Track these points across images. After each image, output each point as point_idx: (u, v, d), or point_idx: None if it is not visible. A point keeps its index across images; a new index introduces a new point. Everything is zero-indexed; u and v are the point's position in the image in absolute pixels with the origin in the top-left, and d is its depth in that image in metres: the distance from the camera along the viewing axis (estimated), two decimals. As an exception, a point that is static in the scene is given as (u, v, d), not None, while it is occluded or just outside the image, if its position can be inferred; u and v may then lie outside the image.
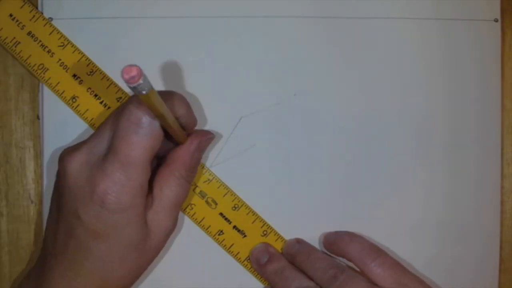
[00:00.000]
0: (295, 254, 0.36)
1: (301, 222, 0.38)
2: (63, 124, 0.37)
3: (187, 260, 0.37)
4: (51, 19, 0.36)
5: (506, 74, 0.39)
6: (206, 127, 0.37)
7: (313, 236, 0.38)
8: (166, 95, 0.30)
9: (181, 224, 0.37)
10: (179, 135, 0.31)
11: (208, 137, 0.33)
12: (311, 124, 0.38)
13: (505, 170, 0.39)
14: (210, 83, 0.37)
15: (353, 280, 0.33)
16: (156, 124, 0.29)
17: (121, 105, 0.31)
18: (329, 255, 0.36)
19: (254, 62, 0.37)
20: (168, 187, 0.32)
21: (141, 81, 0.21)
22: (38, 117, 0.37)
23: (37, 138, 0.38)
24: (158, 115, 0.27)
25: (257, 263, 0.36)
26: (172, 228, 0.33)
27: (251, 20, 0.37)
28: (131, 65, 0.21)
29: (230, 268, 0.37)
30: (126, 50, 0.37)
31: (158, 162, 0.33)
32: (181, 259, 0.37)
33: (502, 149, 0.39)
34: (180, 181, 0.32)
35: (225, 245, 0.37)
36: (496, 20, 0.38)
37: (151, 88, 0.23)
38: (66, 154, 0.31)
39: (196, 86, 0.37)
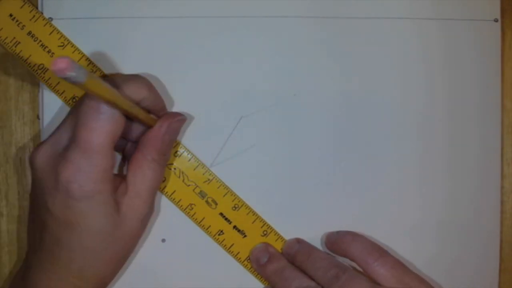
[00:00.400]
0: (295, 254, 0.36)
1: (302, 222, 0.38)
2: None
3: (187, 260, 0.37)
4: (51, 19, 0.36)
5: (506, 74, 0.39)
6: (206, 127, 0.37)
7: (313, 236, 0.38)
8: (123, 80, 0.30)
9: (181, 224, 0.37)
10: (144, 119, 0.31)
11: (177, 119, 0.33)
12: (311, 124, 0.38)
13: (505, 170, 0.39)
14: (210, 83, 0.37)
15: (356, 280, 0.33)
16: (114, 109, 0.29)
17: (83, 94, 0.31)
18: (330, 255, 0.36)
19: (254, 62, 0.37)
20: (140, 172, 0.31)
21: (73, 73, 0.21)
22: (38, 117, 0.37)
23: (37, 138, 0.38)
24: (109, 102, 0.27)
25: (257, 263, 0.36)
26: (147, 213, 0.32)
27: (251, 20, 0.37)
28: (61, 57, 0.21)
29: (230, 269, 0.37)
30: (126, 50, 0.37)
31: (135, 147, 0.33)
32: (181, 259, 0.37)
33: (502, 149, 0.39)
34: (153, 165, 0.32)
35: (225, 245, 0.37)
36: (496, 20, 0.38)
37: (89, 77, 0.23)
38: (34, 149, 0.31)
39: (196, 86, 0.37)
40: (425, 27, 0.38)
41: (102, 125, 0.28)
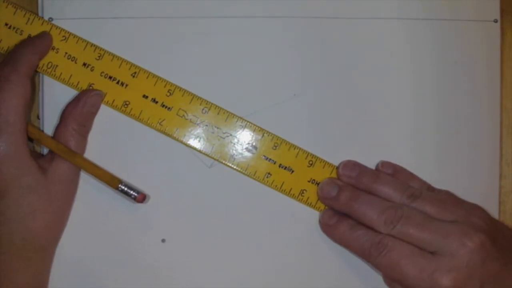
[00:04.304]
0: (359, 176, 0.36)
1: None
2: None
3: (187, 260, 0.37)
4: (51, 19, 0.36)
5: (505, 74, 0.39)
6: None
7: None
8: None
9: (181, 224, 0.37)
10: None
11: (94, 93, 0.36)
12: (311, 124, 0.38)
13: (505, 170, 0.39)
14: (210, 84, 0.37)
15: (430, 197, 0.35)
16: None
17: None
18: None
19: (254, 62, 0.37)
20: (60, 138, 0.35)
21: None
22: (38, 117, 0.37)
23: (37, 138, 0.38)
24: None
25: (329, 197, 0.36)
26: (73, 177, 0.35)
27: (251, 20, 0.37)
28: None
29: (230, 269, 0.37)
30: (126, 49, 0.37)
31: None
32: (181, 259, 0.37)
33: (501, 149, 0.39)
34: (72, 134, 0.35)
35: (276, 186, 0.37)
36: (495, 21, 0.38)
37: None
38: None
39: (196, 86, 0.37)
40: (425, 28, 0.38)
41: (14, 90, 0.33)
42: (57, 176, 0.34)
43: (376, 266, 0.34)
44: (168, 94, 0.36)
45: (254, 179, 0.37)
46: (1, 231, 0.33)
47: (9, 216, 0.33)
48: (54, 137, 0.35)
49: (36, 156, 0.35)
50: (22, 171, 0.33)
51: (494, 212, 0.38)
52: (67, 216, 0.36)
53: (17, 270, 0.33)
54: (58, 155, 0.34)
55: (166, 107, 0.36)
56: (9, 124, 0.32)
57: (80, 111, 0.35)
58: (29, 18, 0.36)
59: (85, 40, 0.36)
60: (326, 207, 0.37)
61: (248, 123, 0.37)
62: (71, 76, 0.36)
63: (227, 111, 0.37)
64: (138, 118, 0.36)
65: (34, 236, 0.33)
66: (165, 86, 0.37)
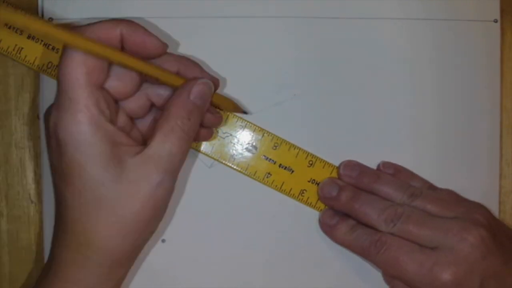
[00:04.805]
0: (360, 176, 0.36)
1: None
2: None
3: (187, 260, 0.37)
4: (51, 19, 0.36)
5: (505, 74, 0.39)
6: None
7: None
8: (93, 26, 0.28)
9: (181, 224, 0.37)
10: (154, 73, 0.29)
11: (200, 81, 0.30)
12: (311, 124, 0.38)
13: (505, 170, 0.39)
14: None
15: (433, 196, 0.35)
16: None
17: None
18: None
19: (254, 62, 0.37)
20: (160, 136, 0.29)
21: None
22: (38, 117, 0.37)
23: (37, 138, 0.38)
24: (84, 51, 0.27)
25: (329, 197, 0.36)
26: (161, 181, 0.29)
27: (251, 20, 0.37)
28: None
29: (230, 269, 0.37)
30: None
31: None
32: (181, 259, 0.37)
33: (501, 149, 0.39)
34: (174, 130, 0.29)
35: (276, 186, 0.37)
36: (495, 21, 0.38)
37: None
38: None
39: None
40: (425, 28, 0.38)
41: (71, 56, 0.27)
42: (139, 176, 0.28)
43: (376, 263, 0.34)
44: (168, 94, 0.36)
45: (254, 179, 0.37)
46: (66, 219, 0.29)
47: (73, 203, 0.28)
48: (153, 131, 0.29)
49: (124, 140, 0.29)
50: (90, 159, 0.27)
51: (494, 212, 0.38)
52: (146, 228, 0.30)
53: (74, 262, 0.29)
54: (146, 154, 0.28)
55: (166, 107, 0.36)
56: (71, 101, 0.27)
57: (185, 101, 0.30)
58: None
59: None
60: (326, 207, 0.37)
61: (248, 123, 0.37)
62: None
63: (227, 113, 0.37)
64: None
65: (94, 234, 0.28)
66: None
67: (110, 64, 0.29)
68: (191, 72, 0.31)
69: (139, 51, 0.29)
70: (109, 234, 0.29)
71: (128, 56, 0.29)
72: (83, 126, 0.27)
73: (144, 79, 0.31)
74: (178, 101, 0.30)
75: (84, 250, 0.29)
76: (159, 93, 0.32)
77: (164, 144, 0.29)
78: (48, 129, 0.28)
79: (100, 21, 0.28)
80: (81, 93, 0.27)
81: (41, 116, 0.37)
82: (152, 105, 0.33)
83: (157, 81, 0.31)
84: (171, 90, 0.32)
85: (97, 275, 0.29)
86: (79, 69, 0.27)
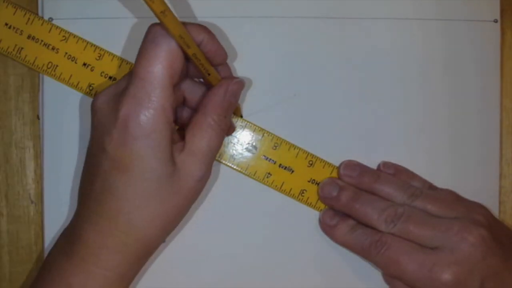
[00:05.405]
0: (360, 176, 0.36)
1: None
2: (63, 124, 0.37)
3: (187, 260, 0.37)
4: (51, 19, 0.36)
5: (505, 74, 0.39)
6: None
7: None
8: (184, 23, 0.30)
9: (181, 224, 0.37)
10: (206, 68, 0.31)
11: (235, 81, 0.32)
12: (311, 124, 0.38)
13: (505, 170, 0.39)
14: (210, 83, 0.37)
15: (433, 196, 0.35)
16: (172, 41, 0.29)
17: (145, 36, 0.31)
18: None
19: (254, 62, 0.37)
20: (199, 133, 0.31)
21: None
22: (38, 117, 0.37)
23: (37, 138, 0.38)
24: (177, 37, 0.28)
25: (330, 197, 0.36)
26: (203, 175, 0.31)
27: (251, 20, 0.37)
28: None
29: (230, 269, 0.37)
30: (125, 50, 0.37)
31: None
32: (181, 259, 0.37)
33: (501, 149, 0.39)
34: (213, 126, 0.31)
35: (276, 186, 0.37)
36: (495, 21, 0.38)
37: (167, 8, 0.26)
38: (96, 95, 0.31)
39: (196, 86, 0.37)
40: (425, 28, 0.38)
41: (160, 56, 0.28)
42: (186, 172, 0.30)
43: (376, 263, 0.34)
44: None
45: (254, 179, 0.37)
46: (111, 205, 0.29)
47: (123, 193, 0.29)
48: (189, 128, 0.31)
49: (175, 137, 0.31)
50: (153, 154, 0.29)
51: (494, 212, 0.38)
52: (180, 219, 0.32)
53: (108, 247, 0.30)
54: (190, 150, 0.30)
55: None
56: (150, 99, 0.29)
57: (223, 100, 0.31)
58: (29, 18, 0.36)
59: (85, 40, 0.36)
60: (326, 207, 0.37)
61: (248, 123, 0.37)
62: (71, 76, 0.36)
63: None
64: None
65: (141, 227, 0.30)
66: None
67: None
68: (212, 45, 0.31)
69: (207, 56, 0.31)
70: (153, 226, 0.30)
71: (203, 55, 0.31)
72: (157, 125, 0.29)
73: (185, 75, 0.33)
74: (216, 99, 0.31)
75: (124, 238, 0.30)
76: (193, 90, 0.33)
77: (204, 140, 0.31)
78: (117, 118, 0.29)
79: (189, 23, 0.30)
80: (162, 95, 0.29)
81: (41, 116, 0.37)
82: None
83: (200, 78, 0.33)
84: (205, 88, 0.33)
85: (130, 262, 0.31)
86: (165, 71, 0.28)
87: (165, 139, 0.29)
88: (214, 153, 0.31)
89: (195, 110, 0.33)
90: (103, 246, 0.30)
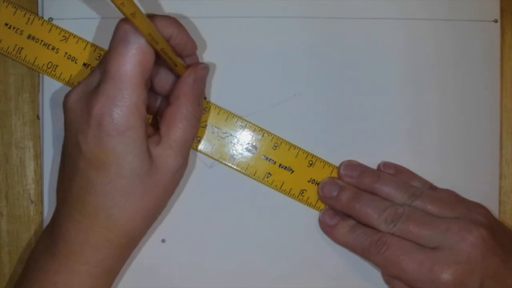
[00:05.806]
0: (360, 176, 0.36)
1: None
2: (63, 124, 0.37)
3: (187, 260, 0.37)
4: (51, 19, 0.36)
5: (505, 74, 0.39)
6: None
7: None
8: (152, 16, 0.30)
9: (181, 224, 0.37)
10: (173, 60, 0.31)
11: (201, 66, 0.32)
12: (311, 124, 0.38)
13: (505, 170, 0.39)
14: (210, 84, 0.37)
15: (432, 197, 0.35)
16: (142, 38, 0.28)
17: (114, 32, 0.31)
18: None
19: (254, 62, 0.37)
20: (174, 125, 0.31)
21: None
22: (38, 117, 0.37)
23: (37, 138, 0.38)
24: (146, 36, 0.28)
25: (330, 197, 0.36)
26: (180, 167, 0.31)
27: (251, 21, 0.37)
28: None
29: (230, 268, 0.37)
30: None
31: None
32: (181, 259, 0.37)
33: (501, 149, 0.39)
34: (186, 116, 0.31)
35: (276, 186, 0.37)
36: (495, 21, 0.38)
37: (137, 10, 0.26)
38: (67, 93, 0.31)
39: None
40: (425, 28, 0.38)
41: (131, 54, 0.28)
42: (163, 164, 0.30)
43: (376, 263, 0.34)
44: (168, 94, 0.36)
45: (254, 179, 0.37)
46: (91, 202, 0.29)
47: (102, 190, 0.29)
48: (163, 121, 0.31)
49: (149, 131, 0.31)
50: (129, 151, 0.29)
51: (494, 212, 0.38)
52: (160, 211, 0.32)
53: (90, 244, 0.30)
54: (166, 143, 0.30)
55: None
56: (123, 96, 0.29)
57: (193, 88, 0.32)
58: (29, 18, 0.36)
59: (85, 40, 0.36)
60: (326, 207, 0.37)
61: (248, 123, 0.37)
62: (71, 76, 0.36)
63: (227, 111, 0.37)
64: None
65: (123, 221, 0.30)
66: None
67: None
68: (181, 38, 0.31)
69: (176, 49, 0.31)
70: (133, 220, 0.31)
71: (171, 48, 0.31)
72: (132, 122, 0.29)
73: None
74: (187, 89, 0.31)
75: (106, 233, 0.30)
76: (159, 75, 0.33)
77: (179, 132, 0.31)
78: (90, 117, 0.29)
79: (157, 15, 0.30)
80: (135, 92, 0.29)
81: (41, 116, 0.37)
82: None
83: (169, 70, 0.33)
84: (169, 71, 0.33)
85: (114, 257, 0.31)
86: (136, 69, 0.29)
87: (140, 135, 0.29)
88: (190, 143, 0.32)
89: (163, 96, 0.33)
90: (85, 242, 0.30)
